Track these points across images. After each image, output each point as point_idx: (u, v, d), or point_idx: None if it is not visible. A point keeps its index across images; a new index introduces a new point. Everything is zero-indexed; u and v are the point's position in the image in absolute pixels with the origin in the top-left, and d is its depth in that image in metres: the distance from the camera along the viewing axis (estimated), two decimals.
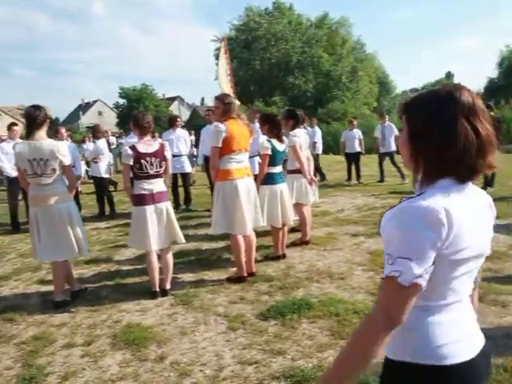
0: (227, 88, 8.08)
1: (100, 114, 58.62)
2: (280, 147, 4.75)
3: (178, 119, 8.68)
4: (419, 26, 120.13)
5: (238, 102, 7.87)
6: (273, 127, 4.74)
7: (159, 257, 4.14)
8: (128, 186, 3.96)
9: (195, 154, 16.94)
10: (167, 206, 4.01)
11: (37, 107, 3.72)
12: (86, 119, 54.62)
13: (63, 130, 7.66)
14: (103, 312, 3.82)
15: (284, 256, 5.02)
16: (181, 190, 8.58)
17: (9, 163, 7.22)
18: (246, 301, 3.90)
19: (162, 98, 50.66)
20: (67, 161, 3.77)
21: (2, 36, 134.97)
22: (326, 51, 36.51)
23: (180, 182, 8.52)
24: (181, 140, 8.38)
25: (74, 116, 58.42)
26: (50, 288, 4.46)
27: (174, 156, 8.47)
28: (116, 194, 9.61)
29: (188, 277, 4.59)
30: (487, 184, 8.04)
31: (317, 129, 11.52)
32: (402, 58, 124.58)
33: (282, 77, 35.24)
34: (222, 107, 4.17)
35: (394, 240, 1.09)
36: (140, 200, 3.88)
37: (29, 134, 3.71)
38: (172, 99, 55.87)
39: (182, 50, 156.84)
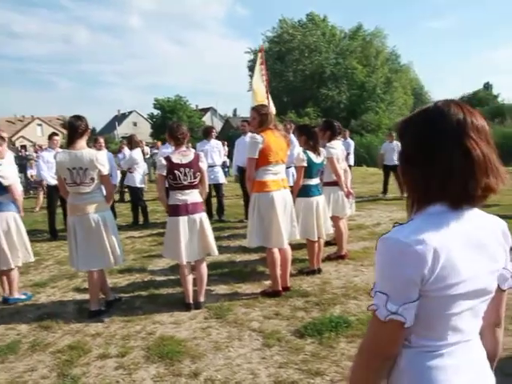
0: (263, 99, 8.05)
1: (135, 124, 60.07)
2: (316, 159, 4.65)
3: (213, 130, 8.70)
4: (456, 35, 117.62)
5: (274, 112, 7.83)
6: (309, 139, 4.65)
7: (193, 268, 4.10)
8: (162, 196, 3.95)
9: (227, 164, 17.12)
10: (201, 217, 3.97)
11: (78, 117, 3.78)
12: (122, 129, 56.11)
13: (102, 140, 7.83)
14: (137, 323, 3.79)
15: (319, 270, 4.89)
16: (213, 201, 8.58)
17: (49, 172, 7.44)
18: (282, 316, 3.79)
19: (196, 109, 51.42)
20: (106, 170, 3.81)
21: (45, 49, 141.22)
22: (360, 62, 36.15)
23: (213, 193, 8.52)
24: (215, 151, 8.40)
25: (110, 126, 60.10)
26: (86, 296, 4.50)
27: (208, 167, 8.57)
28: (149, 204, 9.72)
29: (221, 289, 4.53)
30: None
31: (350, 140, 11.38)
32: (438, 69, 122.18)
33: (315, 88, 35.12)
34: (259, 118, 4.12)
35: (376, 271, 1.06)
36: (174, 210, 3.86)
37: (70, 143, 3.77)
38: (205, 110, 56.62)
39: (216, 62, 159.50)
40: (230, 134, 32.77)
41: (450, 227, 1.03)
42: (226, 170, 16.85)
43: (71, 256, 3.93)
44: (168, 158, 3.84)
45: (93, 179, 3.76)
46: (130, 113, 63.50)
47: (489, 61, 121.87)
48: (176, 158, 3.85)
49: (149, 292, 4.56)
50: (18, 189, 4.40)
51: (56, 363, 3.17)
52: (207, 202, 8.67)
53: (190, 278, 3.98)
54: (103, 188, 3.97)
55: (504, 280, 1.14)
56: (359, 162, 18.69)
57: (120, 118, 62.28)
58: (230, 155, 15.72)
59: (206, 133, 8.58)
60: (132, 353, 3.26)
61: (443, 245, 0.99)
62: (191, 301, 4.02)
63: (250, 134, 4.07)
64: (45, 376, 3.02)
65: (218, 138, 14.68)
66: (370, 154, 22.36)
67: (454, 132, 1.02)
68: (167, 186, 3.95)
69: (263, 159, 4.02)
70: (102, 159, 3.76)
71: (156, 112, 46.86)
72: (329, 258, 5.37)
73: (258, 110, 4.18)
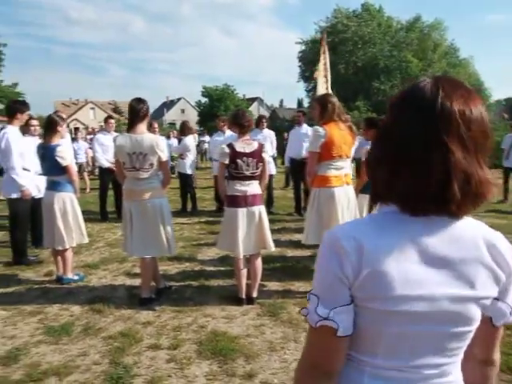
0: (322, 88, 7.78)
1: (182, 111, 61.01)
2: None
3: (264, 119, 8.49)
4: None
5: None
6: None
7: (247, 262, 3.93)
8: (222, 186, 3.80)
9: (275, 155, 16.78)
10: (260, 209, 3.79)
11: (140, 100, 3.68)
12: (170, 116, 57.16)
13: (156, 125, 7.82)
14: (188, 314, 3.68)
15: None
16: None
17: (103, 154, 7.51)
18: None
19: (243, 98, 51.43)
20: (165, 156, 3.69)
21: (100, 36, 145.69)
22: (416, 56, 34.73)
23: None
24: (267, 141, 8.17)
25: (158, 112, 61.31)
26: (136, 282, 4.47)
27: None
28: (197, 191, 9.70)
29: (274, 285, 4.35)
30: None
31: None
32: (499, 65, 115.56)
33: (366, 81, 34.10)
34: (320, 109, 3.87)
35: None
36: (233, 201, 3.70)
37: (130, 126, 3.68)
38: (252, 100, 56.58)
39: (264, 52, 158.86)
40: (277, 125, 32.52)
41: (396, 232, 0.86)
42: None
43: (125, 241, 3.88)
44: (231, 146, 3.67)
45: (152, 165, 3.66)
46: (179, 100, 64.48)
47: None
48: (239, 147, 3.67)
49: (199, 282, 4.45)
50: (75, 170, 4.39)
51: (108, 349, 3.11)
52: None
53: (244, 271, 3.82)
54: (160, 174, 3.87)
55: (500, 316, 0.90)
56: None
57: (168, 105, 63.41)
58: (277, 146, 15.44)
59: (258, 122, 8.39)
60: (184, 346, 3.15)
61: (377, 248, 0.84)
62: (244, 296, 3.86)
63: (314, 127, 3.82)
64: (97, 362, 2.96)
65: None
66: None
67: (432, 120, 0.82)
68: (226, 175, 3.79)
69: (326, 153, 3.78)
70: (161, 145, 3.65)
71: (204, 100, 47.24)
72: None
73: (320, 101, 3.92)
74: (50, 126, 4.24)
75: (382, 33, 35.25)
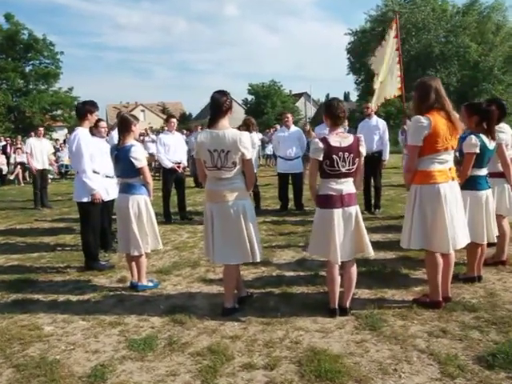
0: (384, 77, 7.23)
1: None
2: (490, 145, 3.81)
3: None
4: None
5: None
6: (483, 119, 3.81)
7: (340, 267, 3.53)
8: (314, 184, 3.42)
9: None
10: (357, 210, 3.38)
11: (222, 92, 3.37)
12: None
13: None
14: (277, 327, 3.34)
15: (479, 278, 4.08)
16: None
17: (165, 154, 7.35)
18: (451, 336, 3.09)
19: (289, 94, 50.87)
20: (249, 154, 3.37)
21: (145, 40, 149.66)
22: (475, 40, 32.66)
23: None
24: None
25: (205, 111, 61.64)
26: (213, 289, 4.21)
27: None
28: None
29: (364, 293, 3.93)
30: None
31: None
32: None
33: (420, 70, 32.45)
34: (419, 96, 3.40)
35: None
36: (327, 202, 3.31)
37: (212, 122, 3.38)
38: (298, 95, 55.85)
39: (309, 47, 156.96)
40: (322, 120, 31.64)
41: None
42: None
43: (207, 245, 3.59)
44: (325, 141, 3.28)
45: (234, 163, 3.34)
46: None
47: None
48: (334, 141, 3.28)
49: (281, 290, 4.10)
50: (149, 172, 4.17)
51: (198, 368, 2.82)
52: (296, 192, 8.09)
53: (338, 280, 3.43)
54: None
55: None
56: None
57: None
58: None
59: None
60: (281, 366, 2.81)
61: None
62: (336, 306, 3.48)
63: (415, 117, 3.34)
64: (188, 383, 2.68)
65: (306, 123, 13.99)
66: None
67: None
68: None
69: (429, 147, 3.30)
70: (246, 141, 3.32)
71: (250, 97, 47.09)
72: (485, 263, 4.49)
73: (420, 86, 3.44)
74: (123, 125, 4.04)
75: (436, 18, 33.37)
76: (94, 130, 5.71)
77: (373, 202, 7.60)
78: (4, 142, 18.68)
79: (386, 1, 34.66)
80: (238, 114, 51.67)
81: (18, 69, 30.64)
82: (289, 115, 8.10)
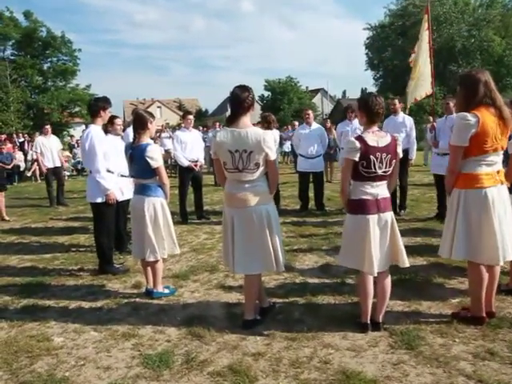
0: (417, 71, 6.85)
1: None
2: None
3: (352, 109, 7.66)
4: None
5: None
6: None
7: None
8: (346, 187, 3.11)
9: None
10: (392, 216, 3.07)
11: (244, 88, 3.09)
12: None
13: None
14: (304, 343, 3.06)
15: None
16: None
17: (182, 152, 7.12)
18: (500, 359, 2.77)
19: (306, 90, 50.35)
20: (273, 154, 3.08)
21: (162, 37, 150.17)
22: (498, 34, 31.73)
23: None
24: (357, 133, 7.38)
25: (221, 108, 61.60)
26: (232, 297, 3.96)
27: None
28: None
29: (397, 305, 3.62)
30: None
31: None
32: None
33: (442, 65, 31.68)
34: (465, 91, 3.06)
35: None
36: (361, 207, 3.00)
37: (232, 119, 3.10)
38: (315, 91, 55.24)
39: (326, 43, 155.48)
40: (340, 117, 31.18)
41: None
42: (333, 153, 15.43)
43: (226, 253, 3.32)
44: (362, 139, 2.97)
45: (257, 165, 3.06)
46: None
47: None
48: (371, 140, 2.97)
49: (306, 299, 3.82)
50: (165, 172, 3.92)
51: None
52: (317, 191, 7.77)
53: (372, 292, 3.12)
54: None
55: None
56: None
57: None
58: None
59: (346, 112, 7.62)
60: None
61: None
62: (369, 320, 3.18)
63: (460, 114, 3.00)
64: None
65: (328, 119, 13.61)
66: None
67: None
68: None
69: (476, 147, 2.97)
70: (269, 141, 3.03)
71: (266, 94, 46.69)
72: None
73: (466, 80, 3.10)
74: (139, 123, 3.79)
75: (459, 11, 32.53)
76: (110, 127, 5.50)
77: (398, 202, 7.23)
78: (22, 139, 18.76)
79: None
80: (255, 110, 51.50)
81: (36, 66, 30.91)
82: (310, 112, 7.77)
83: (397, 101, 7.05)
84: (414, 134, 6.90)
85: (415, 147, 7.03)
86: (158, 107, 61.56)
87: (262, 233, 3.12)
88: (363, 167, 2.96)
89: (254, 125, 3.15)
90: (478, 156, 2.99)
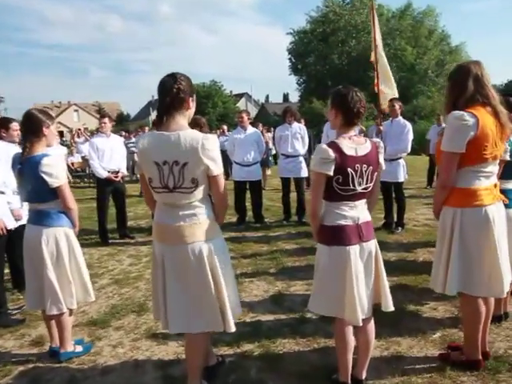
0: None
1: None
2: None
3: (292, 111, 7.05)
4: (502, 16, 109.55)
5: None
6: None
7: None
8: (317, 209, 2.34)
9: (272, 153, 15.04)
10: (376, 245, 2.40)
11: (176, 75, 2.23)
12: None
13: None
14: None
15: (506, 316, 3.28)
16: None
17: (99, 162, 6.04)
18: None
19: (230, 94, 50.06)
20: (217, 168, 2.25)
21: (79, 37, 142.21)
22: (410, 43, 33.56)
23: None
24: (297, 137, 6.80)
25: (144, 112, 59.40)
26: (168, 350, 3.11)
27: (288, 157, 7.00)
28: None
29: (374, 347, 2.96)
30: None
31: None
32: (490, 51, 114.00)
33: (361, 71, 32.83)
34: (452, 87, 2.50)
35: None
36: (338, 235, 2.28)
37: (160, 119, 2.24)
38: (239, 96, 55.22)
39: (248, 49, 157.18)
40: (271, 120, 31.01)
41: None
42: (271, 159, 15.10)
43: (157, 304, 2.43)
44: (336, 147, 2.25)
45: (195, 182, 2.22)
46: None
47: None
48: (348, 147, 2.26)
49: (262, 347, 3.04)
50: (70, 192, 2.92)
51: None
52: (284, 199, 7.13)
53: (352, 345, 2.42)
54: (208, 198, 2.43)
55: None
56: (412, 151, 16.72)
57: (154, 104, 61.39)
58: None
59: (285, 115, 6.98)
60: None
61: None
62: (349, 379, 2.47)
63: (455, 113, 2.40)
64: None
65: (253, 123, 13.05)
66: (423, 143, 20.32)
67: None
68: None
69: (474, 154, 2.40)
70: (212, 148, 2.20)
71: None
72: None
73: (455, 75, 2.53)
74: (29, 127, 2.77)
75: None
76: (4, 133, 4.31)
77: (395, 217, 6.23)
78: None
79: (327, 2, 34.73)
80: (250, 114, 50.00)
81: None
82: (244, 114, 6.99)
83: (396, 102, 6.21)
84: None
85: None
86: (75, 111, 57.90)
87: (204, 280, 2.26)
88: (338, 183, 2.25)
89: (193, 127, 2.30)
90: (476, 165, 2.43)
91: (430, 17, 35.94)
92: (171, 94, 2.20)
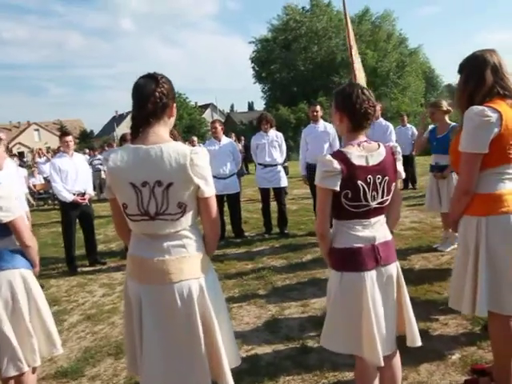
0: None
1: None
2: None
3: (268, 118, 6.70)
4: (449, 18, 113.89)
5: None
6: None
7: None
8: (326, 232, 1.99)
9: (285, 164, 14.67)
10: (398, 268, 2.05)
11: (153, 77, 1.83)
12: (121, 130, 54.05)
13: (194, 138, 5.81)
14: None
15: None
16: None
17: (63, 184, 5.51)
18: None
19: (195, 105, 49.74)
20: (209, 189, 1.86)
21: (36, 55, 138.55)
22: (370, 47, 34.20)
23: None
24: (274, 145, 6.46)
25: (108, 128, 58.09)
26: None
27: (266, 166, 6.65)
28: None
29: None
30: None
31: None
32: (442, 53, 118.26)
33: (325, 76, 33.12)
34: (465, 76, 2.22)
35: None
36: (352, 260, 1.92)
37: (135, 130, 1.85)
38: (205, 107, 54.99)
39: (210, 60, 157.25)
40: (237, 129, 30.73)
41: None
42: (245, 170, 14.84)
43: (131, 355, 2.00)
44: (343, 157, 1.91)
45: (182, 206, 1.82)
46: (128, 113, 61.17)
47: (486, 44, 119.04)
48: (358, 157, 1.92)
49: None
50: (27, 226, 2.45)
51: None
52: (265, 211, 6.78)
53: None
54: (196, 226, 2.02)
55: None
56: None
57: (118, 119, 60.34)
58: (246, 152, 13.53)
59: (260, 123, 6.64)
60: None
61: None
62: None
63: (474, 108, 2.09)
64: None
65: (231, 133, 12.64)
66: None
67: None
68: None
69: (497, 154, 2.11)
70: (202, 164, 1.82)
71: None
72: None
73: (467, 66, 2.24)
74: None
75: (334, 27, 34.42)
76: None
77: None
78: None
79: (287, 10, 34.96)
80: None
81: None
82: (217, 125, 6.62)
83: (318, 107, 6.17)
84: (337, 143, 6.13)
85: None
86: (36, 130, 56.09)
87: (192, 330, 1.85)
88: (348, 199, 1.90)
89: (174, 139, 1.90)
90: (499, 167, 2.14)
91: (387, 21, 36.82)
92: (152, 99, 1.80)
